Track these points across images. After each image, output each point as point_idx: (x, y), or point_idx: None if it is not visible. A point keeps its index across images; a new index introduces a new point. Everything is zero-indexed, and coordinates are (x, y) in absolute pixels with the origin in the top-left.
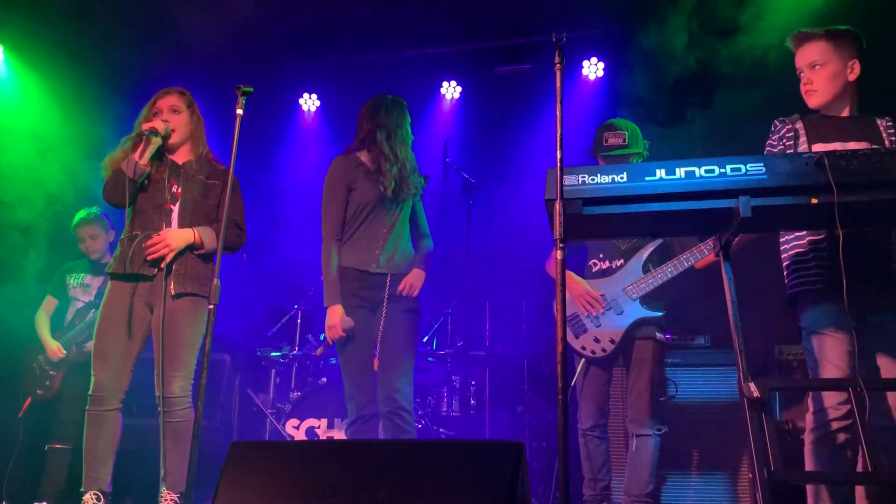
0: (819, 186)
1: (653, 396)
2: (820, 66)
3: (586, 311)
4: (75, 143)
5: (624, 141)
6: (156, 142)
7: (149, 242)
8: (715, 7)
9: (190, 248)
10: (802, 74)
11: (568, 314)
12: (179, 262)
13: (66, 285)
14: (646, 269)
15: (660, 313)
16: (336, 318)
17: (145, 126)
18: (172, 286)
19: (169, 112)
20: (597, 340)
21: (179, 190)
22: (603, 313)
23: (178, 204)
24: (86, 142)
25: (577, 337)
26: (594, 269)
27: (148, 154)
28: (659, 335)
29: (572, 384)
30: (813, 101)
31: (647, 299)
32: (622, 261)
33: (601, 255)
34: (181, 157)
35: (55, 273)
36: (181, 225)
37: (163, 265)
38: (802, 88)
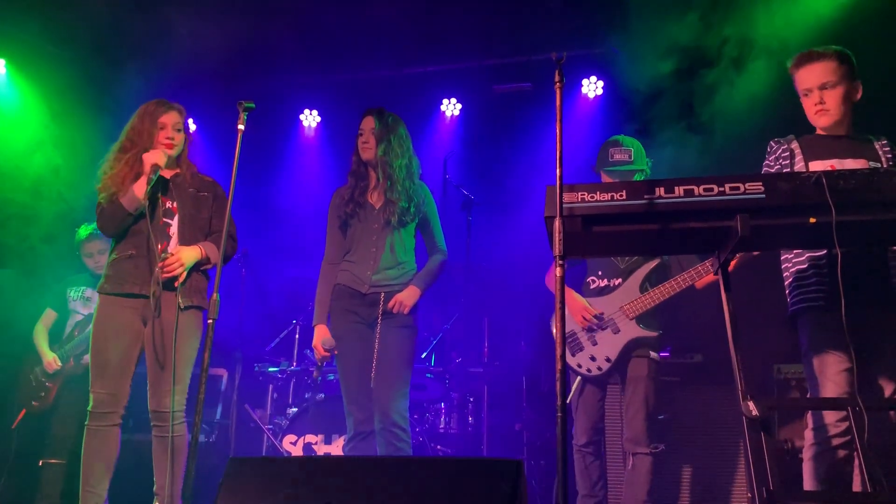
0: (817, 206)
1: (649, 415)
2: (831, 87)
3: (584, 327)
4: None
5: (630, 157)
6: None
7: (162, 264)
8: (715, 26)
9: (197, 263)
10: (811, 94)
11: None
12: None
13: (67, 298)
14: (643, 289)
15: (655, 332)
16: (317, 338)
17: (149, 160)
18: (180, 299)
19: (174, 130)
20: (593, 359)
21: (175, 205)
22: (601, 330)
23: (175, 219)
24: (87, 154)
25: (573, 355)
26: (592, 287)
27: (148, 188)
28: (653, 353)
29: (568, 401)
30: (824, 121)
31: (644, 318)
32: (620, 279)
33: (600, 273)
34: (168, 171)
35: (55, 286)
36: (181, 240)
37: (177, 284)
38: (813, 108)
